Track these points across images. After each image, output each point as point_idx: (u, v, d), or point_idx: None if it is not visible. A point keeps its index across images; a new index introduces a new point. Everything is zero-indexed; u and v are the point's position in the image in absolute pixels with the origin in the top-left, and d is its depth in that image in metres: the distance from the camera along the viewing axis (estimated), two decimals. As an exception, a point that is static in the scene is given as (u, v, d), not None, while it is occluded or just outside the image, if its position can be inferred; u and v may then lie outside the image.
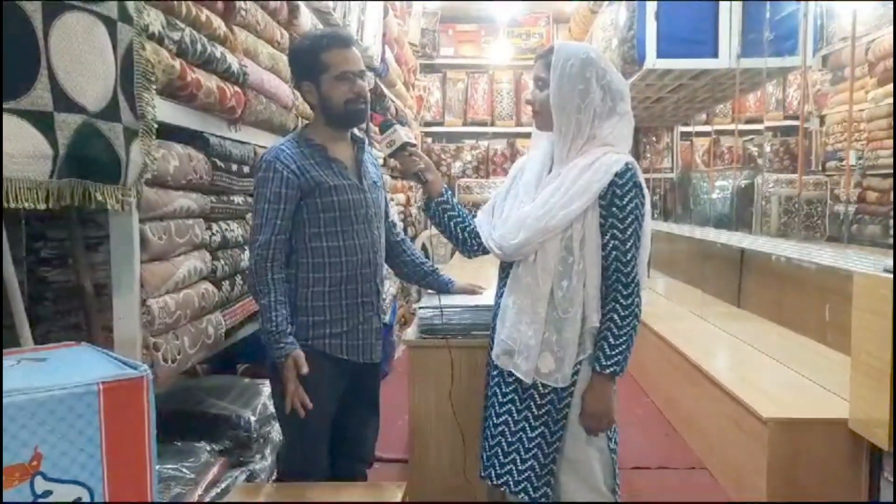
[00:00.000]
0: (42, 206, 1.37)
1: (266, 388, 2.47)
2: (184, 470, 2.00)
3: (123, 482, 1.19)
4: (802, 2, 4.47)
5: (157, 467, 1.30)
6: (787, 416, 2.72)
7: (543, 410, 1.91)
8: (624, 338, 1.85)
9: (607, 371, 1.85)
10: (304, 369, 1.97)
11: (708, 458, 3.35)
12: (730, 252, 4.98)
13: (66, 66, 1.39)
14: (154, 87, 1.71)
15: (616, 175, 1.83)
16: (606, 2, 6.23)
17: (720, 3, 4.81)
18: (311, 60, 2.06)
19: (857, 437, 2.56)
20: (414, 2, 6.85)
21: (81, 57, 1.43)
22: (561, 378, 1.88)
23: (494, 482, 1.96)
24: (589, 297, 1.87)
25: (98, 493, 1.16)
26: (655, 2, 4.77)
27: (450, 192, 2.18)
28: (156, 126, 1.70)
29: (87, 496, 1.15)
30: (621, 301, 1.85)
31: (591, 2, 6.84)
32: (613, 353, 1.85)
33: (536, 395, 1.91)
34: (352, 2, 3.91)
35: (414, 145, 2.19)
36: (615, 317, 1.85)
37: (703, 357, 3.65)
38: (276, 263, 2.00)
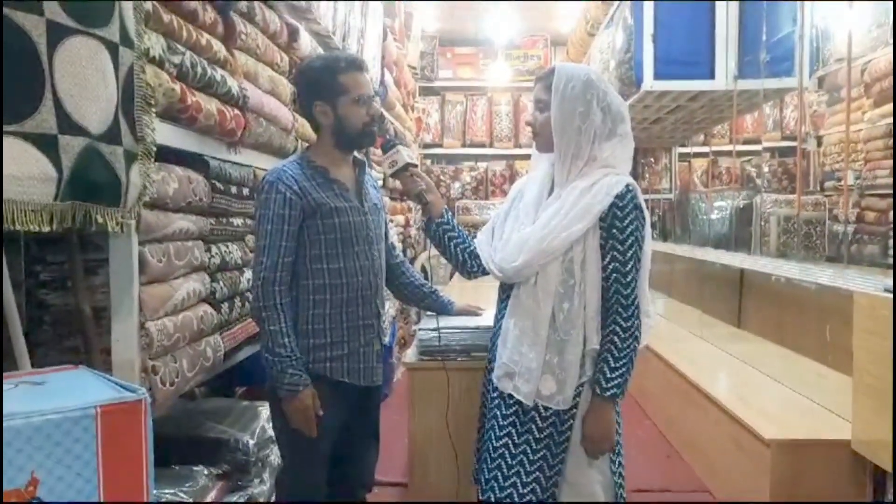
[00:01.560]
0: (46, 229, 1.37)
1: (265, 410, 2.45)
2: (181, 494, 1.98)
3: (121, 507, 1.18)
4: (800, 5, 4.48)
5: (155, 492, 1.29)
6: (789, 437, 2.70)
7: (545, 433, 1.89)
8: (624, 360, 1.85)
9: (608, 394, 1.84)
10: (320, 411, 1.99)
11: (710, 480, 3.32)
12: (729, 272, 4.97)
13: (71, 90, 1.40)
14: (154, 110, 1.71)
15: (616, 197, 1.84)
16: (608, 7, 6.25)
17: (717, 25, 4.85)
18: (328, 81, 2.05)
19: (860, 459, 2.54)
20: (413, 22, 6.90)
21: (85, 81, 1.44)
22: (562, 401, 1.87)
23: None
24: (589, 318, 1.87)
25: (95, 518, 1.15)
26: (653, 21, 4.81)
27: (450, 213, 2.19)
28: (155, 149, 1.71)
29: (84, 521, 1.14)
30: (621, 323, 1.85)
31: (594, 2, 6.81)
32: (614, 375, 1.84)
33: (538, 418, 1.90)
34: (351, 21, 3.94)
35: (416, 166, 2.20)
36: (615, 339, 1.85)
37: (704, 378, 3.64)
38: (284, 287, 1.99)
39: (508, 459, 1.92)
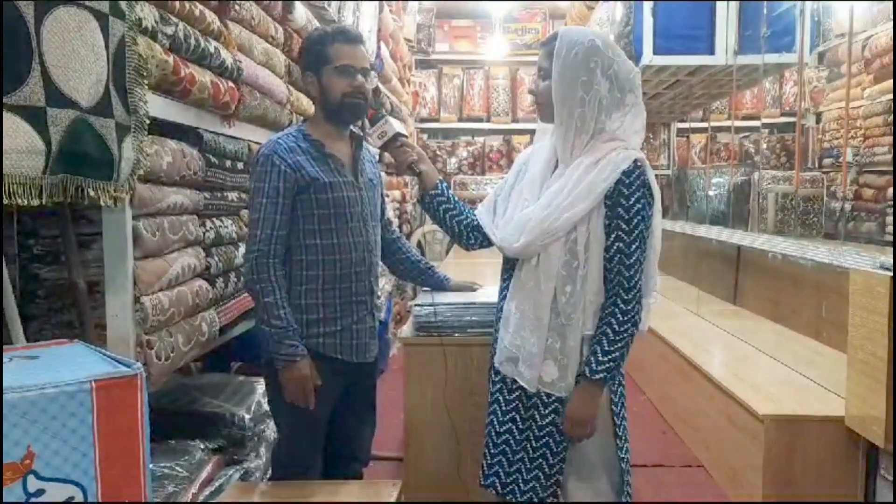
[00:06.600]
0: (35, 202, 1.35)
1: (260, 385, 2.46)
2: (177, 468, 1.99)
3: (117, 481, 1.18)
4: (799, -1, 4.47)
5: (151, 466, 1.29)
6: (783, 413, 2.72)
7: (548, 420, 1.82)
8: (619, 344, 1.75)
9: (597, 377, 1.74)
10: (318, 381, 1.99)
11: (704, 456, 3.35)
12: (726, 249, 4.98)
13: (59, 62, 1.38)
14: (146, 82, 1.69)
15: (623, 174, 1.73)
16: (602, -2, 6.23)
17: (717, -1, 4.81)
18: (316, 52, 2.05)
19: (854, 435, 2.56)
20: (410, -2, 6.82)
21: (74, 52, 1.42)
22: (565, 387, 1.79)
23: (499, 491, 1.88)
24: (588, 302, 1.77)
25: (91, 491, 1.15)
26: (652, -2, 4.77)
27: (445, 184, 2.09)
28: (148, 122, 1.69)
29: (80, 495, 1.14)
30: (621, 306, 1.75)
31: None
32: (605, 359, 1.74)
33: (540, 405, 1.82)
34: (347, -3, 3.89)
35: (405, 136, 2.14)
36: (613, 322, 1.75)
37: (700, 354, 3.65)
38: (278, 260, 1.98)
39: (513, 445, 1.87)
